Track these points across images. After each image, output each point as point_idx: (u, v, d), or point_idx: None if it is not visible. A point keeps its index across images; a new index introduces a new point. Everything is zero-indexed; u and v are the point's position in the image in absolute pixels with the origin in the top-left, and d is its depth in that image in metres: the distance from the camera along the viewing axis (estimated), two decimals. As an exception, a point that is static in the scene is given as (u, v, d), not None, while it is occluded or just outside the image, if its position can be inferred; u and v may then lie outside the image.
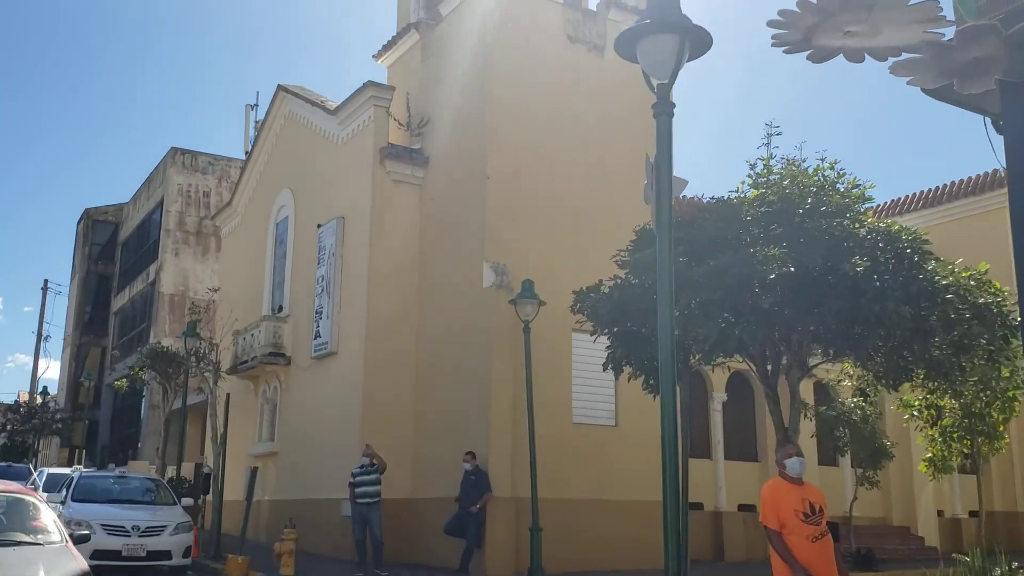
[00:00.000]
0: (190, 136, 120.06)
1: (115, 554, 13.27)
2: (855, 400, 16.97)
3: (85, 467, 39.74)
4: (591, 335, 11.19)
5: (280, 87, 22.51)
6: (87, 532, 10.01)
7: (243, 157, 42.91)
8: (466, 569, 14.21)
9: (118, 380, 22.87)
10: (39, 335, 53.51)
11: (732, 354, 9.10)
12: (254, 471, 14.45)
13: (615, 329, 9.68)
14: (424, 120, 18.29)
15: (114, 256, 48.35)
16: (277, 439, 20.32)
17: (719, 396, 18.88)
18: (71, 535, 9.31)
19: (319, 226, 19.47)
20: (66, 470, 20.85)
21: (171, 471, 23.42)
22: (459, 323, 16.56)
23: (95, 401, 45.79)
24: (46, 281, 60.27)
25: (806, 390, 20.29)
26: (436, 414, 16.76)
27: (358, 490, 14.25)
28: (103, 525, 13.42)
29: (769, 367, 9.53)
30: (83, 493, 14.68)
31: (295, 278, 20.88)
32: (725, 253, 8.35)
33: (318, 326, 18.89)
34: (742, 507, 18.92)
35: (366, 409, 17.03)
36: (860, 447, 16.97)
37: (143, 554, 13.41)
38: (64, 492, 15.08)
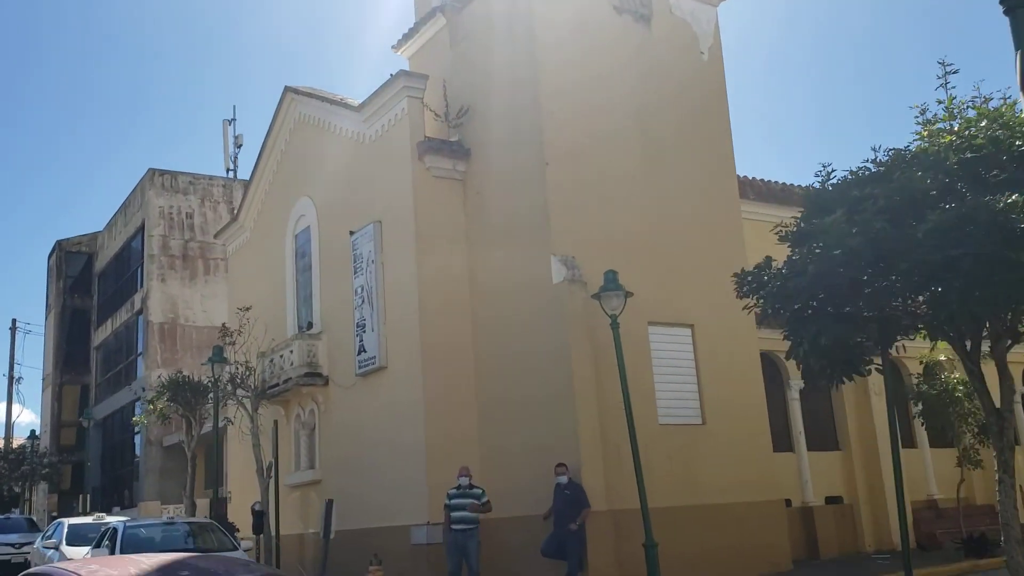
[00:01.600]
0: (163, 156, 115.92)
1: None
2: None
3: (78, 514, 37.70)
4: (678, 328, 9.86)
5: (288, 89, 20.97)
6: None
7: (225, 175, 41.53)
8: (571, 594, 12.84)
9: (137, 416, 21.06)
10: (11, 377, 51.16)
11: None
12: (329, 503, 12.98)
13: (793, 309, 8.33)
14: (463, 109, 16.90)
15: (90, 288, 46.20)
16: (319, 466, 18.74)
17: (796, 384, 17.69)
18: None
19: (351, 233, 17.98)
20: (87, 519, 19.10)
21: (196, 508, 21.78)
22: (523, 325, 15.20)
23: (79, 442, 43.63)
24: (14, 320, 57.75)
25: (912, 369, 19.09)
26: (507, 425, 15.36)
27: (455, 515, 12.80)
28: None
29: (969, 342, 8.30)
30: (132, 545, 13.06)
31: (325, 292, 19.35)
32: (935, 209, 7.15)
33: (361, 340, 17.39)
34: (828, 500, 17.75)
35: (429, 427, 15.58)
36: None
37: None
38: (107, 545, 13.45)
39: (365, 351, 17.26)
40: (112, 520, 15.15)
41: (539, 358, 14.70)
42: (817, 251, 7.78)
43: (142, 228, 38.78)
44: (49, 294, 48.18)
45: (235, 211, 39.22)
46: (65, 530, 17.92)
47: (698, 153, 16.75)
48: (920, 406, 16.58)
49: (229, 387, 17.67)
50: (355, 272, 17.82)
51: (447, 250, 16.49)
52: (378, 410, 16.95)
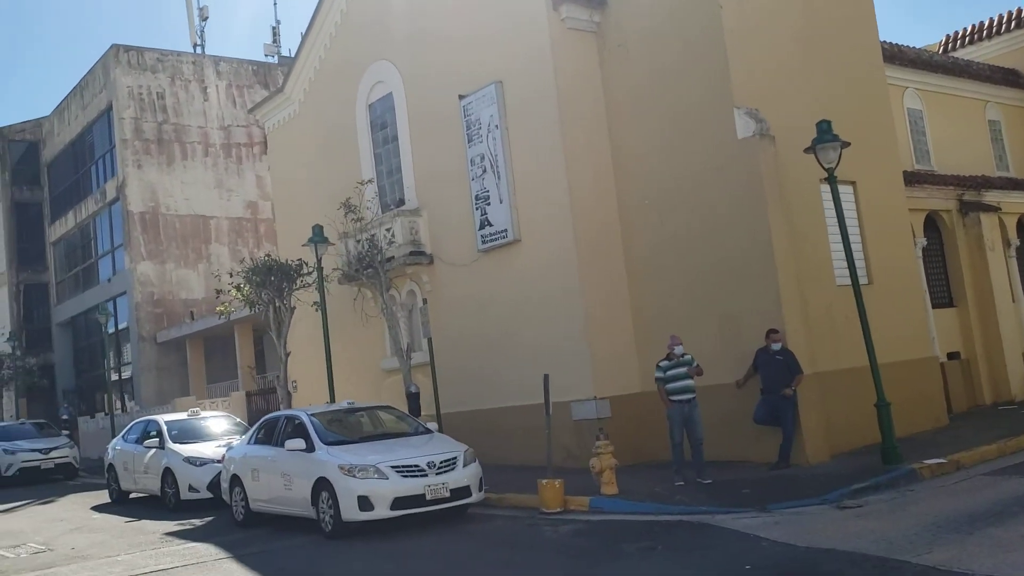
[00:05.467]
0: (119, 32, 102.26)
1: (419, 499, 10.84)
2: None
3: (62, 418, 35.68)
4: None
5: (353, -62, 18.86)
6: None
7: (192, 51, 38.24)
8: (787, 460, 12.48)
9: (221, 305, 19.36)
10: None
11: None
12: (546, 378, 12.08)
13: None
14: (597, -47, 15.42)
15: (38, 179, 42.65)
16: (424, 347, 17.68)
17: (920, 241, 17.47)
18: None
19: (461, 97, 16.51)
20: (181, 415, 17.73)
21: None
22: (687, 186, 14.28)
23: (43, 344, 41.03)
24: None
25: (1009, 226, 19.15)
26: (669, 293, 14.62)
27: (674, 385, 12.10)
28: (393, 467, 10.92)
29: None
30: (327, 434, 11.96)
31: (420, 164, 17.91)
32: None
33: (484, 214, 16.20)
34: (949, 356, 17.83)
35: (587, 300, 14.73)
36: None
37: (447, 494, 11.01)
38: (286, 436, 12.31)
39: (491, 224, 16.10)
40: (285, 412, 13.82)
41: (714, 220, 13.87)
42: None
43: (108, 111, 35.60)
44: (-8, 188, 44.34)
45: (209, 89, 36.63)
46: (165, 427, 16.59)
47: (846, 17, 15.90)
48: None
49: (355, 266, 16.29)
50: (469, 140, 16.45)
51: (589, 110, 15.31)
52: (509, 286, 15.95)
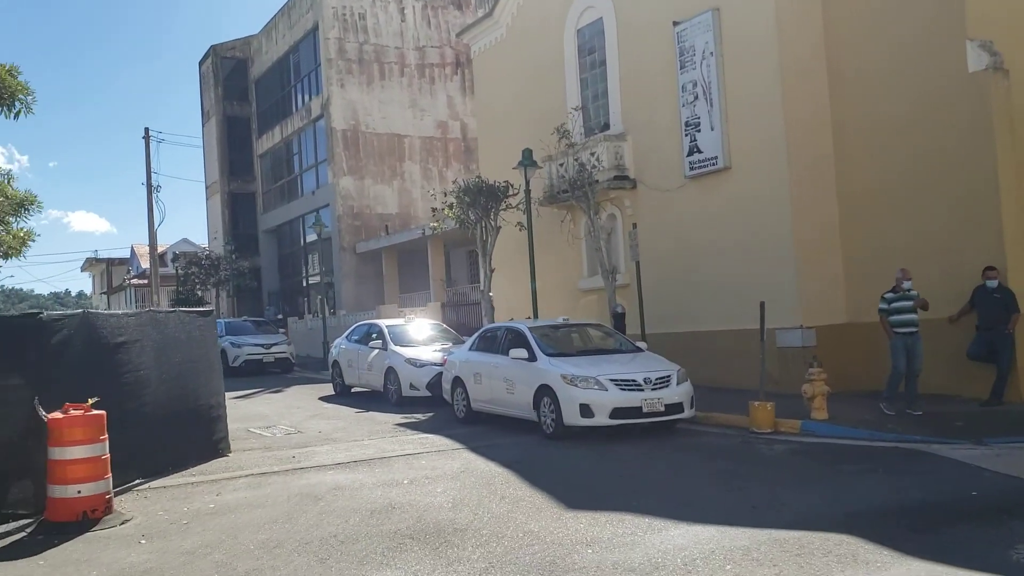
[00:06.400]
0: None
1: (635, 411, 11.68)
2: None
3: (271, 318, 38.93)
4: None
5: None
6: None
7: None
8: (1000, 397, 12.48)
9: (434, 222, 20.80)
10: (148, 187, 51.87)
11: None
12: (762, 305, 12.57)
13: None
14: None
15: (247, 95, 45.67)
16: (627, 271, 18.40)
17: None
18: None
19: (676, 24, 16.72)
20: (397, 321, 19.33)
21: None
22: (912, 118, 14.07)
23: (250, 248, 44.46)
24: (147, 129, 58.18)
25: None
26: (884, 226, 14.59)
27: (899, 318, 12.31)
28: (612, 380, 11.78)
29: None
30: (546, 346, 12.96)
31: (627, 90, 18.34)
32: None
33: (694, 140, 16.53)
34: None
35: (797, 231, 14.94)
36: None
37: (661, 408, 11.79)
38: (506, 344, 13.41)
39: (700, 151, 16.43)
40: (505, 324, 14.93)
41: (937, 154, 13.68)
42: None
43: (314, 31, 37.61)
44: (204, 101, 47.88)
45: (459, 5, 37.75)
46: (387, 330, 18.16)
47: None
48: None
49: (559, 188, 17.12)
50: (681, 67, 16.71)
51: (807, 39, 15.24)
52: (716, 213, 16.32)
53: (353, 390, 19.33)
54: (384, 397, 17.52)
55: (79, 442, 8.22)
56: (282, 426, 14.89)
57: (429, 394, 16.42)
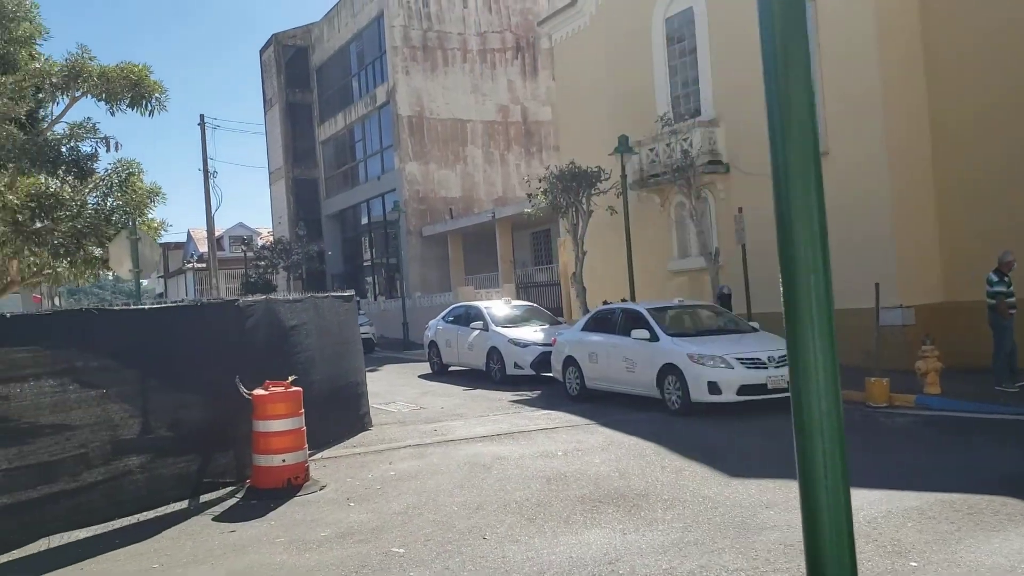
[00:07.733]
0: None
1: (760, 388, 12.35)
2: None
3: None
4: None
5: None
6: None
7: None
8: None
9: (530, 208, 21.51)
10: (205, 172, 53.05)
11: None
12: (877, 286, 13.15)
13: None
14: None
15: (308, 82, 46.57)
16: (723, 253, 18.98)
17: None
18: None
19: (770, 12, 17.17)
20: (496, 302, 20.10)
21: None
22: (1011, 103, 14.49)
23: (313, 233, 45.47)
24: (202, 116, 59.41)
25: None
26: (988, 208, 15.04)
27: (1008, 300, 12.84)
28: (738, 359, 12.45)
29: None
30: (667, 327, 13.66)
31: (719, 77, 18.86)
32: None
33: (789, 126, 17.01)
34: None
35: (897, 216, 15.45)
36: None
37: (784, 385, 12.41)
38: (623, 324, 14.12)
39: (795, 137, 16.92)
40: (620, 305, 15.60)
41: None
42: None
43: (378, 18, 38.32)
44: (267, 89, 48.85)
45: None
46: (486, 312, 18.92)
47: None
48: None
49: (650, 172, 17.77)
50: (776, 54, 17.18)
51: (905, 24, 15.68)
52: (810, 196, 16.82)
53: (450, 369, 20.15)
54: (486, 376, 18.30)
55: (281, 416, 9.07)
56: (400, 402, 15.71)
57: (533, 373, 17.16)
